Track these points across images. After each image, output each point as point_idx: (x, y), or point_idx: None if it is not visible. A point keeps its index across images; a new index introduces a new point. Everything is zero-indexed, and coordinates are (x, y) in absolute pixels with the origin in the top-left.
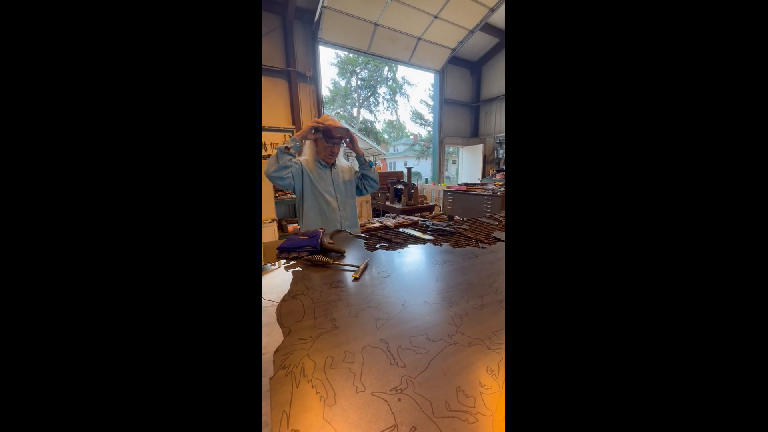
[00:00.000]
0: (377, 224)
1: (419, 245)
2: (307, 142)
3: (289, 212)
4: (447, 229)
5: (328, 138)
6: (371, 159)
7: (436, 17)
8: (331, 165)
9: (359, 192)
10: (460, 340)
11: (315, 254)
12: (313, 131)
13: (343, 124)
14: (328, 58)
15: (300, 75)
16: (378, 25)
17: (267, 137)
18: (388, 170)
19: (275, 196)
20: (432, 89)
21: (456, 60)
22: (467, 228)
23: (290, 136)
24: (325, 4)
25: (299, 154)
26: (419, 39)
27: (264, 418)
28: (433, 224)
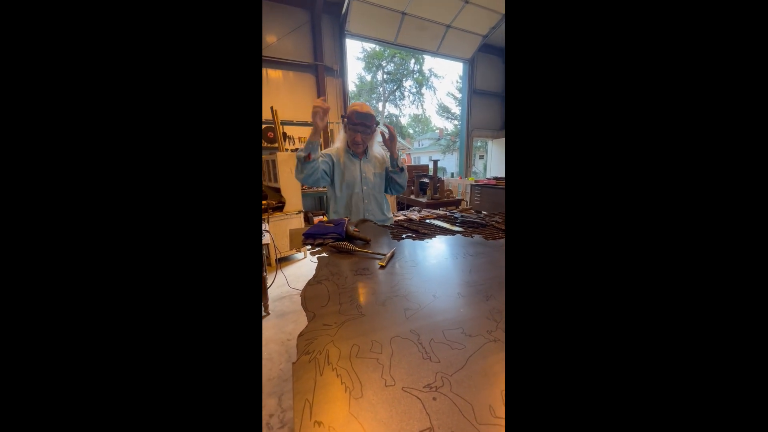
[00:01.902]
0: (402, 217)
1: (448, 236)
2: (340, 131)
3: (315, 204)
4: (478, 221)
5: (351, 124)
6: (404, 165)
7: (467, 2)
8: (362, 155)
9: (386, 189)
10: (502, 338)
11: (340, 241)
12: (342, 119)
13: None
14: (354, 53)
15: (327, 69)
16: (406, 14)
17: (295, 131)
18: (413, 164)
19: (302, 189)
20: (460, 81)
21: (487, 48)
22: (500, 220)
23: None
24: None
25: (324, 147)
26: (448, 27)
27: (285, 404)
28: (462, 216)
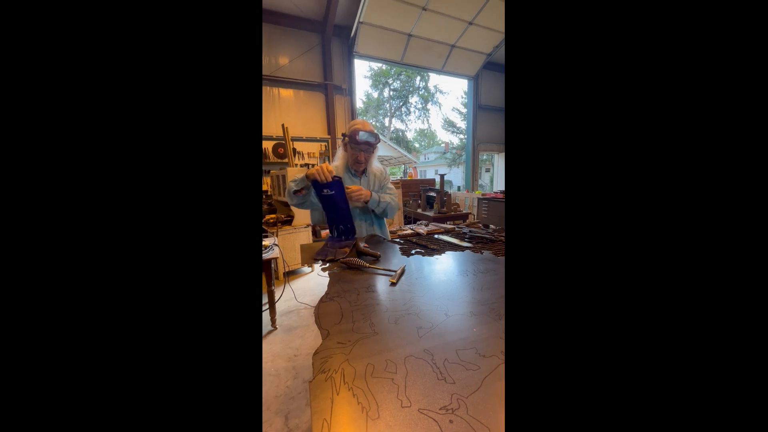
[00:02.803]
0: (409, 231)
1: (457, 252)
2: (339, 148)
3: (323, 218)
4: (486, 236)
5: (354, 144)
6: (385, 200)
7: (471, 23)
8: (362, 173)
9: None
10: None
11: (350, 258)
12: (343, 137)
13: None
14: (362, 72)
15: (336, 87)
16: (412, 35)
17: (305, 147)
18: (419, 178)
19: None
20: (465, 96)
21: (491, 65)
22: None
23: (307, 171)
24: (361, 20)
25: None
26: (453, 46)
27: (291, 423)
28: (471, 231)
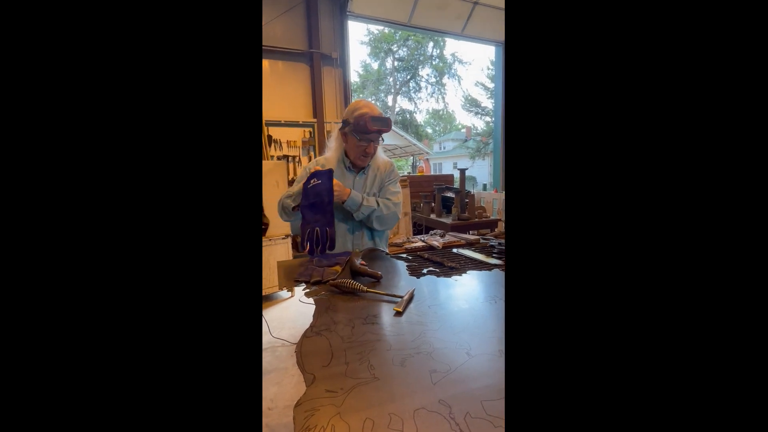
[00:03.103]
0: (419, 243)
1: (483, 272)
2: (333, 135)
3: None
4: None
5: (362, 133)
6: (368, 207)
7: None
8: (361, 169)
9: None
10: None
11: (343, 279)
12: (343, 125)
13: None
14: (358, 37)
15: (324, 57)
16: None
17: (284, 133)
18: (432, 173)
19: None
20: (492, 67)
21: None
22: None
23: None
24: None
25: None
26: (476, 3)
27: None
28: (500, 243)
